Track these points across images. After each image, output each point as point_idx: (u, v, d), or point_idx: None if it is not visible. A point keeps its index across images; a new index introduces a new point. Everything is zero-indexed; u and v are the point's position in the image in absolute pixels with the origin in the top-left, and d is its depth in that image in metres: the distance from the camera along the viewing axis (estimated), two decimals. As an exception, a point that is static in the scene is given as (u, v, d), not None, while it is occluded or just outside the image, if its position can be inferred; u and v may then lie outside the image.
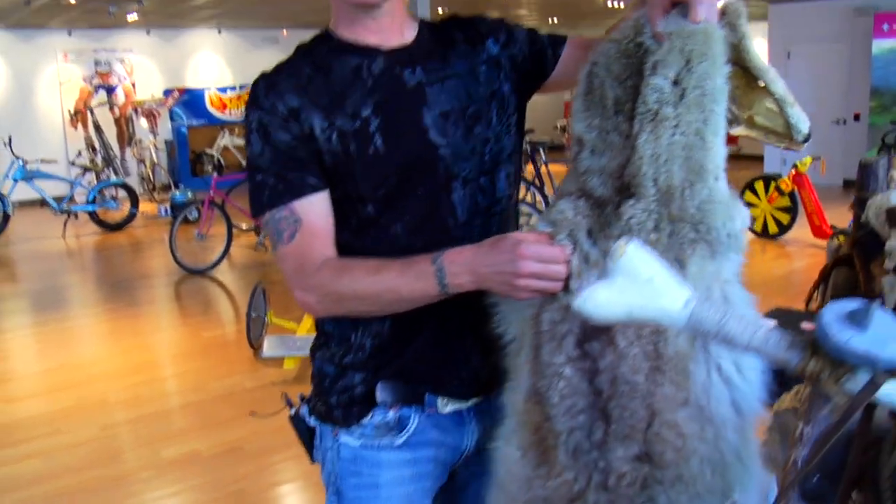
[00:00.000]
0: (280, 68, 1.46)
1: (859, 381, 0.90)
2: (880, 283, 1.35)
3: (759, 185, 8.95)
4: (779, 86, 1.25)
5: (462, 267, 1.29)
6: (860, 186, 1.60)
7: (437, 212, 1.47)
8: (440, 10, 14.22)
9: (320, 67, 1.45)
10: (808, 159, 8.37)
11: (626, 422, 1.20)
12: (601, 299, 0.99)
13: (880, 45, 12.31)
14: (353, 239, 1.46)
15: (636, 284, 0.98)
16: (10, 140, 11.47)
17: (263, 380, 5.12)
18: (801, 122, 1.26)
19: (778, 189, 8.65)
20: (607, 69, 1.33)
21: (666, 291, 0.98)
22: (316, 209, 1.42)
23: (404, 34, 1.50)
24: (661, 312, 0.98)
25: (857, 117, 13.13)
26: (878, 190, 1.57)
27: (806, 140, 1.28)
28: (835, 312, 0.91)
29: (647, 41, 1.27)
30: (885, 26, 12.23)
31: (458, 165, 1.48)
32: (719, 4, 1.25)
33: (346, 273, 1.39)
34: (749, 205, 8.87)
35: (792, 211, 8.73)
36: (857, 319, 0.90)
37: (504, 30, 1.59)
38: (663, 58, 1.21)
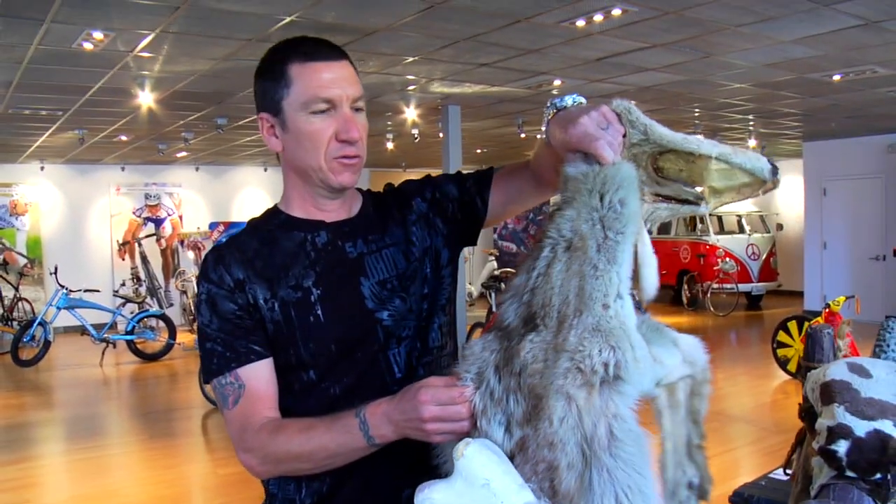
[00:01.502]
0: (230, 242, 1.54)
1: None
2: (810, 463, 1.33)
3: (793, 326, 8.79)
4: (709, 147, 1.23)
5: (381, 418, 1.32)
6: (806, 356, 1.59)
7: (374, 372, 1.52)
8: (478, 151, 14.64)
9: (267, 241, 1.53)
10: (841, 298, 8.23)
11: None
12: (439, 501, 1.00)
13: (915, 182, 12.31)
14: (296, 403, 1.50)
15: (473, 488, 0.99)
16: (56, 269, 11.85)
17: (273, 520, 5.04)
18: (756, 161, 1.24)
19: (811, 328, 8.49)
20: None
21: (503, 496, 0.98)
22: (259, 375, 1.47)
23: (351, 209, 1.59)
24: None
25: (895, 252, 13.00)
26: (823, 360, 1.56)
27: (775, 172, 1.25)
28: None
29: None
30: (919, 163, 12.26)
31: (396, 327, 1.53)
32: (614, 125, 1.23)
33: (280, 433, 1.42)
34: (782, 345, 8.80)
35: (827, 350, 8.52)
36: None
37: (429, 186, 1.67)
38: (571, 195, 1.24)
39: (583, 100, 1.33)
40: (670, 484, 1.28)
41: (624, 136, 1.23)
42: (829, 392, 1.32)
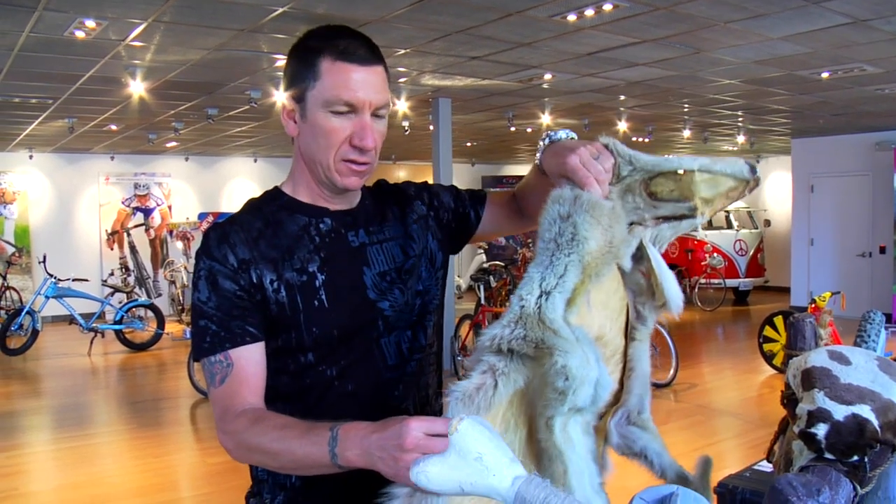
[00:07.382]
0: (232, 220, 1.54)
1: None
2: (792, 448, 1.37)
3: (779, 321, 8.87)
4: (690, 162, 1.36)
5: (353, 439, 1.24)
6: (789, 345, 1.62)
7: (369, 358, 1.55)
8: (469, 144, 14.66)
9: (270, 223, 1.54)
10: (826, 294, 8.31)
11: None
12: (433, 474, 1.04)
13: (902, 180, 12.38)
14: (291, 382, 1.52)
15: (466, 461, 1.03)
16: (44, 258, 11.83)
17: (263, 507, 5.06)
18: (734, 165, 1.36)
19: (797, 323, 8.54)
20: None
21: (495, 469, 1.02)
22: (250, 357, 1.47)
23: (352, 200, 1.63)
24: (489, 489, 1.03)
25: (882, 250, 13.09)
26: (805, 348, 1.59)
27: (754, 170, 1.38)
28: (643, 501, 0.94)
29: None
30: (906, 161, 12.33)
31: (395, 318, 1.57)
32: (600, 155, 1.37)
33: (257, 425, 1.39)
34: (769, 340, 8.88)
35: (812, 345, 8.60)
36: None
37: (428, 193, 1.74)
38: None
39: (574, 135, 1.48)
40: None
41: (615, 164, 1.37)
42: (810, 378, 1.35)
